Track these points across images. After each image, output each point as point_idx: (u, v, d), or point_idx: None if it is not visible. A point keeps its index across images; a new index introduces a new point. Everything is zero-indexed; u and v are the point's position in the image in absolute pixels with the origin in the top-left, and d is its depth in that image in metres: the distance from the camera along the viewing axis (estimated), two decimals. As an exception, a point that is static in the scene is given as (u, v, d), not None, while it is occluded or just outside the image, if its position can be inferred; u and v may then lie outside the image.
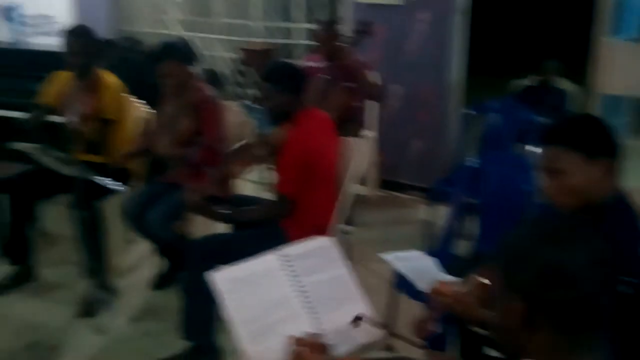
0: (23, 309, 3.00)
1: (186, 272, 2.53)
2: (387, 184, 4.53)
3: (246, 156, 2.50)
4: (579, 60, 4.67)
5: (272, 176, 3.14)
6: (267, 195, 3.09)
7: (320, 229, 2.51)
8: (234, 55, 5.23)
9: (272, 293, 1.42)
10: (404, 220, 4.10)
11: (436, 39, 4.14)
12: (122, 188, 2.54)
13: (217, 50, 5.26)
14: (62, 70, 3.19)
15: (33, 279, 3.24)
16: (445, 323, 1.66)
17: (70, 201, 3.02)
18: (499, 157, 2.80)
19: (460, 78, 4.24)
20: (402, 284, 2.38)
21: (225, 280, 1.40)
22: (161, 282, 3.20)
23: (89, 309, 2.89)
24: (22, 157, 3.11)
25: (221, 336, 2.57)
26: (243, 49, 5.00)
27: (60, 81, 3.18)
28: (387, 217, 4.15)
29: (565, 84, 4.85)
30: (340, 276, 1.54)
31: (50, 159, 2.48)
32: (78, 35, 2.98)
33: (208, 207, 2.45)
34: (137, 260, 3.50)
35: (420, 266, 2.41)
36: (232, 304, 1.37)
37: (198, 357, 2.52)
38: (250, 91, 4.87)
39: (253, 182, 4.46)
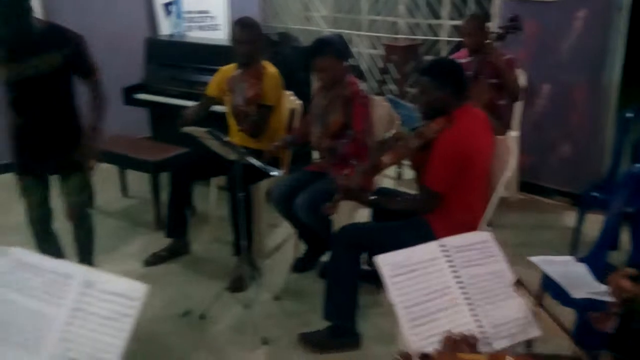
0: (178, 279, 3.28)
1: (330, 256, 2.64)
2: (527, 187, 4.38)
3: (395, 149, 2.53)
4: None
5: (410, 172, 3.17)
6: (404, 189, 3.13)
7: (467, 227, 2.49)
8: (377, 52, 5.30)
9: (433, 281, 1.46)
10: (545, 225, 3.94)
11: (592, 37, 3.92)
12: (280, 173, 2.69)
13: (360, 46, 5.36)
14: (229, 62, 3.44)
15: (188, 253, 3.53)
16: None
17: (226, 183, 3.27)
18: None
19: (617, 79, 3.98)
20: (551, 289, 2.31)
21: (390, 264, 1.46)
22: (301, 266, 3.35)
23: (237, 284, 3.10)
24: (186, 141, 3.41)
25: (359, 321, 2.67)
26: (386, 45, 5.05)
27: (224, 74, 3.43)
28: (527, 221, 4.01)
29: None
30: (500, 271, 1.55)
31: (216, 143, 2.69)
32: (245, 26, 3.21)
33: (361, 193, 2.53)
34: (278, 243, 3.69)
35: (571, 272, 2.33)
36: (395, 287, 1.43)
37: (337, 337, 2.62)
38: (392, 87, 4.91)
39: (389, 177, 4.52)
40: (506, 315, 1.48)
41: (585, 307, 2.21)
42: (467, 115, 2.49)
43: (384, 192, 2.93)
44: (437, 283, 1.46)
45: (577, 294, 2.16)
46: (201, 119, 3.44)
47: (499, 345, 1.41)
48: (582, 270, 2.39)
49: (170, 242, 3.50)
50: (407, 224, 2.54)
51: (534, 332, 1.49)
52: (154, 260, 3.42)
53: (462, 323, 1.41)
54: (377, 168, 2.61)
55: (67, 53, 2.60)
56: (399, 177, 4.61)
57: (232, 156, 2.76)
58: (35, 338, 1.30)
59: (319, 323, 2.66)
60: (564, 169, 4.25)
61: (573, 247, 3.41)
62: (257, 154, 3.18)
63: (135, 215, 4.09)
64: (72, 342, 1.29)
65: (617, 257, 2.74)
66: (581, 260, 2.45)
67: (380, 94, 4.87)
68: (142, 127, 4.89)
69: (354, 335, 2.64)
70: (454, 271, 1.49)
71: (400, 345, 1.36)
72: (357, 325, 2.64)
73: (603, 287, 2.24)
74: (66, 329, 1.30)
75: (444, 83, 2.46)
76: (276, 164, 3.39)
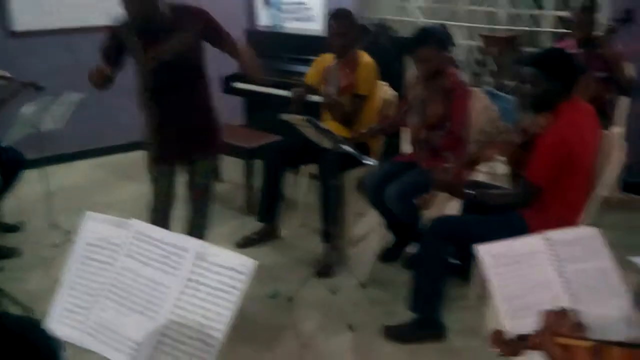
0: (267, 262, 3.37)
1: (421, 247, 2.62)
2: (630, 187, 4.13)
3: (499, 143, 2.48)
4: None
5: (504, 167, 3.07)
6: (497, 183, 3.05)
7: (564, 224, 2.40)
8: (474, 43, 5.17)
9: (535, 274, 1.42)
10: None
11: None
12: (374, 162, 2.70)
13: (457, 37, 5.25)
14: (324, 53, 3.49)
15: (277, 238, 3.63)
16: None
17: (318, 171, 3.32)
18: None
19: None
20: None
21: (491, 255, 1.43)
22: (387, 255, 3.35)
23: (324, 270, 3.15)
24: (279, 129, 3.49)
25: (445, 313, 2.64)
26: (484, 36, 4.92)
27: (322, 63, 3.48)
28: (627, 222, 3.79)
29: None
30: (606, 268, 1.48)
31: (313, 131, 2.74)
32: (341, 17, 3.23)
33: (457, 186, 2.48)
34: (366, 232, 3.70)
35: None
36: (495, 278, 1.40)
37: (423, 329, 2.61)
38: (488, 79, 4.78)
39: (481, 171, 4.40)
40: (610, 313, 1.41)
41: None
42: (574, 110, 2.38)
43: (478, 186, 2.87)
44: (539, 276, 1.41)
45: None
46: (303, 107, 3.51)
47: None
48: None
49: (262, 227, 3.60)
50: (501, 218, 2.48)
51: (638, 334, 1.42)
52: (246, 242, 3.54)
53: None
54: (477, 161, 2.57)
55: (198, 28, 2.59)
56: (492, 171, 4.49)
57: (326, 144, 2.80)
58: (153, 305, 1.39)
59: (403, 313, 2.66)
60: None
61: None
62: (350, 143, 3.21)
63: (228, 200, 4.24)
64: (185, 310, 1.37)
65: None
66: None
67: (477, 86, 4.76)
68: (236, 114, 5.06)
69: (439, 328, 2.62)
70: (558, 265, 1.44)
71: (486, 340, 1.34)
72: (442, 318, 2.61)
73: None
74: (180, 297, 1.38)
75: (555, 75, 2.35)
76: (366, 153, 3.41)
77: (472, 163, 2.56)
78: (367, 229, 3.72)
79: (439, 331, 2.63)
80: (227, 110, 4.87)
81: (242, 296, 1.43)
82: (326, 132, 2.67)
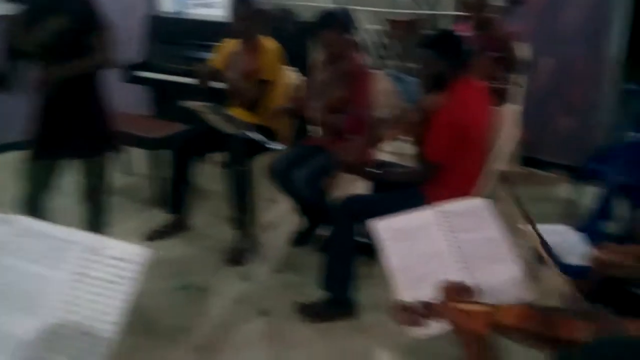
0: (177, 254, 3.30)
1: (330, 228, 2.65)
2: (528, 161, 4.37)
3: (397, 123, 2.54)
4: None
5: (411, 147, 3.16)
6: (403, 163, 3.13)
7: (461, 196, 2.51)
8: (379, 27, 5.26)
9: (428, 245, 1.47)
10: (543, 198, 3.95)
11: (595, 10, 3.88)
12: (280, 147, 2.70)
13: (364, 22, 5.32)
14: (228, 38, 3.44)
15: (187, 228, 3.56)
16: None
17: (226, 158, 3.27)
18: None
19: (621, 53, 3.95)
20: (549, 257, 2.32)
21: (386, 229, 1.47)
22: (300, 239, 3.37)
23: (236, 258, 3.12)
24: (186, 117, 3.40)
25: (357, 291, 2.69)
26: (389, 20, 5.01)
27: (226, 49, 3.43)
28: (525, 194, 4.00)
29: None
30: (495, 237, 1.56)
31: (216, 117, 2.69)
32: (242, 2, 3.19)
33: (361, 167, 2.54)
34: (278, 217, 3.71)
35: (567, 240, 2.35)
36: (390, 251, 1.44)
37: (334, 308, 2.65)
38: (393, 62, 4.88)
39: (388, 152, 4.51)
40: (500, 279, 1.49)
41: (579, 273, 2.22)
42: (466, 87, 2.50)
43: (383, 165, 2.94)
44: (433, 247, 1.47)
45: (572, 260, 2.17)
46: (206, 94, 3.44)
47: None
48: (579, 239, 2.41)
49: (171, 218, 3.52)
50: (403, 194, 2.55)
51: (529, 295, 1.50)
52: (155, 235, 3.45)
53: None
54: (378, 142, 2.61)
55: (76, 12, 2.52)
56: (398, 151, 4.60)
57: (230, 130, 2.76)
58: (34, 300, 1.32)
59: (317, 294, 2.68)
60: (563, 142, 4.24)
61: (569, 219, 3.41)
62: (257, 129, 3.19)
63: (136, 192, 4.11)
64: (73, 304, 1.31)
65: (613, 229, 2.75)
66: (578, 229, 2.47)
67: (382, 69, 4.85)
68: (143, 105, 4.90)
69: (350, 305, 2.67)
70: (450, 235, 1.50)
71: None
72: (353, 295, 2.67)
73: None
74: (67, 292, 1.33)
75: (445, 55, 2.46)
76: (274, 138, 3.40)
77: (375, 143, 2.60)
78: (279, 214, 3.72)
79: (350, 309, 2.68)
80: (133, 101, 4.73)
81: (138, 287, 1.39)
82: (229, 118, 2.64)
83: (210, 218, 3.69)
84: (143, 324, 2.68)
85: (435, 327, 1.29)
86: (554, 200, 3.89)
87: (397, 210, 2.55)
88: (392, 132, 2.52)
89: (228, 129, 2.78)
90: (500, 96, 3.76)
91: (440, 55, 2.44)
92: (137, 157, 4.31)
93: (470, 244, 1.51)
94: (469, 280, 1.46)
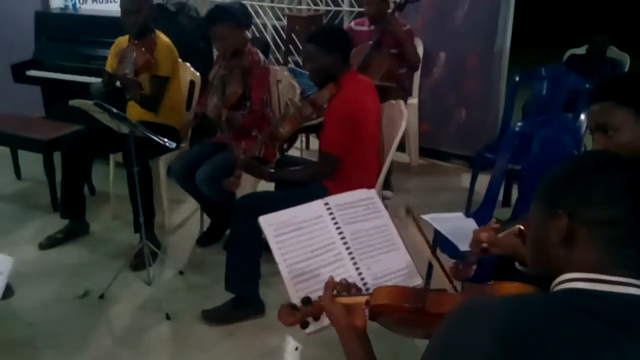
0: (76, 261, 3.15)
1: (231, 226, 2.62)
2: (428, 152, 4.53)
3: (290, 118, 2.54)
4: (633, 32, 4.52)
5: (313, 140, 3.19)
6: (311, 158, 3.15)
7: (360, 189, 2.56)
8: (281, 23, 5.25)
9: (318, 238, 1.48)
10: (444, 188, 4.11)
11: (484, 6, 4.07)
12: (174, 145, 2.62)
13: (262, 17, 5.30)
14: (121, 36, 3.31)
15: (86, 233, 3.40)
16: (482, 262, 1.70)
17: (122, 158, 3.15)
18: (545, 122, 2.77)
19: (507, 46, 4.17)
20: (442, 243, 2.41)
21: (273, 224, 1.46)
22: (206, 239, 3.31)
23: (138, 262, 3.01)
24: (82, 118, 3.25)
25: (263, 289, 2.68)
26: (289, 16, 5.02)
27: (117, 47, 3.30)
28: (427, 184, 4.16)
29: (619, 55, 4.71)
30: (382, 226, 1.59)
31: (106, 116, 2.58)
32: None
33: (256, 165, 2.53)
34: (183, 218, 3.63)
35: (459, 227, 2.44)
36: (278, 246, 1.43)
37: (240, 308, 2.62)
38: (295, 58, 4.90)
39: (297, 148, 4.54)
40: (388, 267, 1.52)
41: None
42: (353, 81, 2.56)
43: (288, 162, 2.94)
44: (322, 240, 1.48)
45: (464, 246, 2.27)
46: (109, 96, 3.30)
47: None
48: (470, 225, 2.51)
49: (67, 224, 3.35)
50: (306, 191, 2.56)
51: (416, 281, 1.55)
52: (50, 242, 3.27)
53: (346, 277, 1.45)
54: (275, 138, 2.60)
55: None
56: (306, 147, 4.64)
57: (124, 129, 2.66)
58: None
59: (223, 295, 2.64)
60: (460, 133, 4.42)
61: (468, 206, 3.57)
62: (157, 127, 3.10)
63: (30, 198, 3.88)
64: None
65: (506, 214, 2.90)
66: (470, 215, 2.58)
67: (283, 64, 4.86)
68: (36, 106, 4.63)
69: (257, 304, 2.65)
70: (338, 227, 1.52)
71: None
72: (258, 294, 2.65)
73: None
74: None
75: (331, 49, 2.50)
76: (174, 136, 3.32)
77: (272, 140, 2.59)
78: (187, 215, 3.65)
79: (257, 307, 2.66)
80: (25, 102, 4.46)
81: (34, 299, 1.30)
82: (119, 117, 2.54)
83: (113, 222, 3.56)
84: (42, 336, 2.55)
85: (320, 323, 1.29)
86: (454, 189, 4.05)
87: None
88: (285, 128, 2.51)
89: (119, 128, 2.67)
90: (404, 91, 3.88)
91: (324, 50, 2.48)
92: (28, 161, 4.08)
93: (360, 234, 1.53)
94: (364, 271, 1.49)
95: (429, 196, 3.95)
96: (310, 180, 2.59)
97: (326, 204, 1.55)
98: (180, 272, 3.02)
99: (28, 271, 3.04)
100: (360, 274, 1.48)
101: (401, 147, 4.24)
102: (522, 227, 1.48)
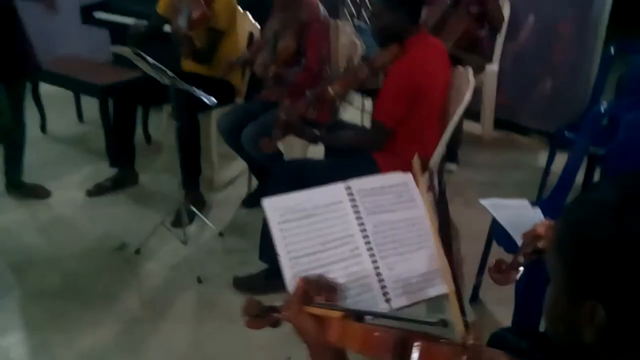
0: (118, 212, 3.09)
1: (266, 192, 2.44)
2: (504, 124, 4.14)
3: (343, 79, 2.29)
4: None
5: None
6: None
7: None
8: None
9: (331, 229, 1.24)
10: (517, 165, 3.74)
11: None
12: (215, 101, 2.45)
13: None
14: None
15: (134, 184, 3.34)
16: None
17: (171, 111, 3.03)
18: (637, 103, 2.37)
19: (606, 13, 3.67)
20: (499, 234, 2.13)
21: (279, 209, 1.24)
22: (251, 201, 3.17)
23: (179, 219, 2.91)
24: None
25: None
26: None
27: None
28: (498, 160, 3.80)
29: None
30: (415, 218, 1.34)
31: (146, 65, 2.43)
32: None
33: (299, 126, 2.29)
34: (233, 176, 3.49)
35: (522, 217, 2.14)
36: (281, 235, 1.21)
37: (271, 278, 2.46)
38: (365, 12, 4.57)
39: (357, 109, 4.27)
40: (413, 268, 1.28)
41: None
42: (422, 44, 2.25)
43: (340, 125, 2.71)
44: (337, 231, 1.25)
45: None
46: (152, 40, 3.17)
47: (397, 303, 1.23)
48: (535, 216, 2.20)
49: (116, 172, 3.30)
50: (352, 160, 2.34)
51: (441, 290, 1.30)
52: (97, 190, 3.23)
53: (360, 276, 1.22)
54: (323, 98, 2.35)
55: None
56: (364, 108, 4.36)
57: (164, 81, 2.51)
58: None
59: (259, 262, 2.49)
60: (543, 106, 4.00)
61: (541, 189, 3.22)
62: (206, 80, 2.94)
63: (88, 143, 3.87)
64: None
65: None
66: (540, 203, 2.26)
67: (351, 18, 4.55)
68: (105, 50, 4.59)
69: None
70: (359, 217, 1.28)
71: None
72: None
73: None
74: None
75: (397, 5, 2.20)
76: (230, 92, 3.17)
77: (321, 101, 2.33)
78: (234, 173, 3.51)
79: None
80: (94, 45, 4.43)
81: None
82: (158, 68, 2.38)
83: (162, 174, 3.48)
84: (72, 288, 2.51)
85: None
86: (529, 168, 3.69)
87: (342, 178, 2.36)
88: (336, 89, 2.25)
89: (161, 78, 2.52)
90: (483, 56, 3.52)
91: (390, 5, 2.18)
92: (93, 104, 4.07)
93: (384, 227, 1.29)
94: (383, 271, 1.26)
95: (498, 173, 3.61)
96: (358, 148, 2.35)
97: (348, 187, 1.32)
98: (220, 234, 2.89)
99: (71, 218, 3.03)
100: (379, 274, 1.25)
101: (475, 116, 3.89)
102: None
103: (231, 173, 3.50)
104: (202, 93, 2.38)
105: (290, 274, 1.18)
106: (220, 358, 2.14)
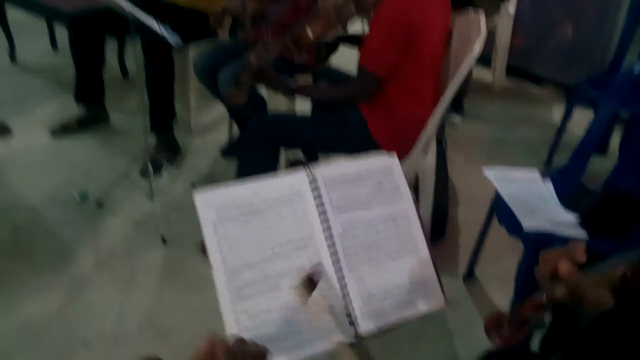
0: (84, 155, 2.80)
1: (239, 149, 2.15)
2: (517, 73, 3.78)
3: (329, 18, 1.91)
4: None
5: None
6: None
7: (412, 123, 1.97)
8: None
9: (285, 230, 0.96)
10: (529, 120, 3.40)
11: None
12: (180, 42, 2.10)
13: None
14: None
15: (103, 122, 3.03)
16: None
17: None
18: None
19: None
20: (501, 212, 1.84)
21: (214, 204, 0.95)
22: (230, 151, 2.87)
23: (149, 166, 2.61)
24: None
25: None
26: None
27: None
28: (509, 113, 3.46)
29: None
30: (396, 214, 1.05)
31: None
32: None
33: (269, 74, 1.94)
34: (213, 119, 3.18)
35: (529, 193, 1.85)
36: (216, 240, 0.93)
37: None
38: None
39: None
40: (393, 279, 1.00)
41: (534, 241, 1.76)
42: None
43: (331, 74, 2.36)
44: (292, 232, 0.96)
45: (529, 223, 1.69)
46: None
47: (365, 327, 0.96)
48: (544, 193, 1.90)
49: (83, 110, 2.98)
50: (337, 116, 2.02)
51: (431, 305, 1.02)
52: (62, 129, 2.94)
53: (321, 294, 0.95)
54: (300, 40, 1.96)
55: None
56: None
57: (123, 10, 2.13)
58: None
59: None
60: (562, 55, 3.62)
61: (552, 149, 2.91)
62: (184, 13, 2.58)
63: (61, 74, 3.53)
64: None
65: (602, 165, 2.26)
66: (549, 177, 1.95)
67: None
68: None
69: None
70: (323, 214, 0.99)
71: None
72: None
73: (566, 217, 1.78)
74: None
75: None
76: (204, 25, 2.79)
77: (296, 43, 1.96)
78: (215, 116, 3.19)
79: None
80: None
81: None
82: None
83: (136, 114, 3.15)
84: (22, 243, 2.25)
85: None
86: (541, 123, 3.36)
87: (324, 135, 2.04)
88: (314, 30, 1.88)
89: (121, 9, 2.14)
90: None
91: None
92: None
93: (357, 226, 1.01)
94: (350, 283, 0.98)
95: (507, 129, 3.28)
96: (342, 101, 2.01)
97: (311, 176, 1.02)
98: (193, 186, 2.61)
99: (33, 161, 2.74)
100: (343, 288, 0.97)
101: (486, 62, 3.52)
102: (626, 273, 0.86)
103: (211, 117, 3.18)
104: (165, 29, 2.02)
105: (226, 292, 0.90)
106: (177, 333, 1.90)
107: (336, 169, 1.03)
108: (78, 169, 2.69)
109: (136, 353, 0.97)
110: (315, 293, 0.93)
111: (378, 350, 1.84)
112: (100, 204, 2.45)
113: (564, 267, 0.85)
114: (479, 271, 2.21)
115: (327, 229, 0.98)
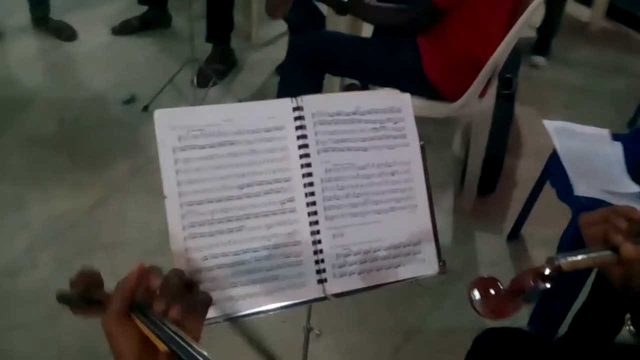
0: (142, 56, 2.78)
1: (284, 63, 2.03)
2: (620, 14, 3.35)
3: None
4: None
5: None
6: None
7: (469, 61, 1.76)
8: None
9: (258, 167, 0.83)
10: (623, 70, 3.04)
11: None
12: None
13: None
14: None
15: (164, 26, 2.97)
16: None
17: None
18: None
19: None
20: (555, 170, 1.63)
21: (176, 126, 0.83)
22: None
23: (203, 76, 2.54)
24: None
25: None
26: None
27: None
28: (602, 59, 3.10)
29: None
30: (397, 165, 0.90)
31: None
32: None
33: None
34: (276, 35, 3.03)
35: (593, 155, 1.63)
36: (174, 168, 0.82)
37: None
38: None
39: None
40: (379, 237, 0.87)
41: (583, 210, 1.55)
42: None
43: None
44: (266, 171, 0.84)
45: (582, 188, 1.49)
46: None
47: (332, 287, 0.84)
48: (614, 153, 1.67)
49: (145, 10, 2.93)
50: (390, 42, 1.84)
51: (420, 272, 0.89)
52: (123, 28, 2.91)
53: (287, 242, 0.83)
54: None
55: None
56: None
57: None
58: None
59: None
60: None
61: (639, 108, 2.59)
62: None
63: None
64: None
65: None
66: (623, 139, 1.70)
67: None
68: None
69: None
70: (304, 153, 0.86)
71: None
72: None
73: (630, 188, 1.55)
74: None
75: None
76: None
77: None
78: (278, 31, 3.04)
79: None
80: None
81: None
82: None
83: (199, 20, 3.05)
84: (66, 138, 2.27)
85: None
86: (637, 76, 2.98)
87: (375, 60, 1.86)
88: None
89: None
90: None
91: None
92: None
93: (348, 173, 0.87)
94: (325, 237, 0.86)
95: (595, 77, 2.94)
96: (398, 25, 1.81)
97: (297, 105, 0.88)
98: (240, 102, 2.52)
99: (90, 59, 2.74)
100: (316, 242, 0.85)
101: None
102: None
103: (275, 31, 3.03)
104: None
105: (178, 227, 0.81)
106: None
107: (331, 101, 0.89)
108: (132, 70, 2.67)
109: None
110: (281, 241, 0.82)
111: (395, 304, 1.75)
112: (146, 109, 2.42)
113: (629, 248, 0.67)
114: (525, 232, 2.03)
115: (307, 170, 0.85)
